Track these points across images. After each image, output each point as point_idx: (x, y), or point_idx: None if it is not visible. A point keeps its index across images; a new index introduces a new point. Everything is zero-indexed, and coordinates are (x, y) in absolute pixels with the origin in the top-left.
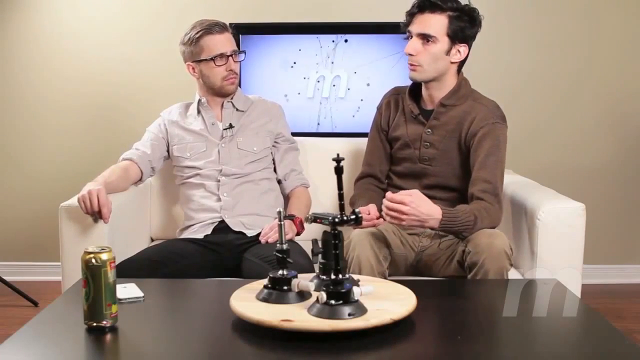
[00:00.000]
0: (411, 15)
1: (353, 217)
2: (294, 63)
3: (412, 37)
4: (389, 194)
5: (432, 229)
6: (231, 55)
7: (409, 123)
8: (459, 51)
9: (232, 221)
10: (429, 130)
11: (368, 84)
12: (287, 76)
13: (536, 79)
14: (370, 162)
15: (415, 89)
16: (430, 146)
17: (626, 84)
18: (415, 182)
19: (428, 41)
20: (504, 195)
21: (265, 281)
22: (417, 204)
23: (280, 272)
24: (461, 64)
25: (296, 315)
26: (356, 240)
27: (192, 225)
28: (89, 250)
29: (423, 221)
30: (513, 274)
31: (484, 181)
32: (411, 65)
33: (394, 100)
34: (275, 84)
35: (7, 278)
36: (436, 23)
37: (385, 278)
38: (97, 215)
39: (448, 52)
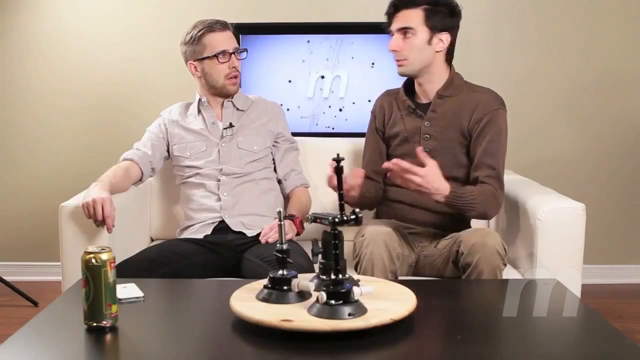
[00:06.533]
0: (389, 15)
1: (353, 217)
2: (294, 63)
3: (393, 35)
4: (399, 161)
5: (437, 201)
6: (234, 53)
7: (406, 118)
8: (441, 40)
9: (232, 221)
10: (428, 122)
11: (368, 84)
12: (287, 76)
13: (536, 78)
14: (367, 165)
15: (408, 86)
16: (431, 138)
17: (626, 82)
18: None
19: (407, 34)
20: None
21: (265, 281)
22: (431, 179)
23: (280, 272)
24: (449, 54)
25: (296, 315)
26: (370, 238)
27: (192, 225)
28: (89, 250)
29: (430, 193)
30: (513, 274)
31: (489, 167)
32: (397, 61)
33: (387, 101)
34: (275, 84)
35: (7, 278)
36: (413, 16)
37: (396, 277)
38: (100, 223)
39: (430, 42)
